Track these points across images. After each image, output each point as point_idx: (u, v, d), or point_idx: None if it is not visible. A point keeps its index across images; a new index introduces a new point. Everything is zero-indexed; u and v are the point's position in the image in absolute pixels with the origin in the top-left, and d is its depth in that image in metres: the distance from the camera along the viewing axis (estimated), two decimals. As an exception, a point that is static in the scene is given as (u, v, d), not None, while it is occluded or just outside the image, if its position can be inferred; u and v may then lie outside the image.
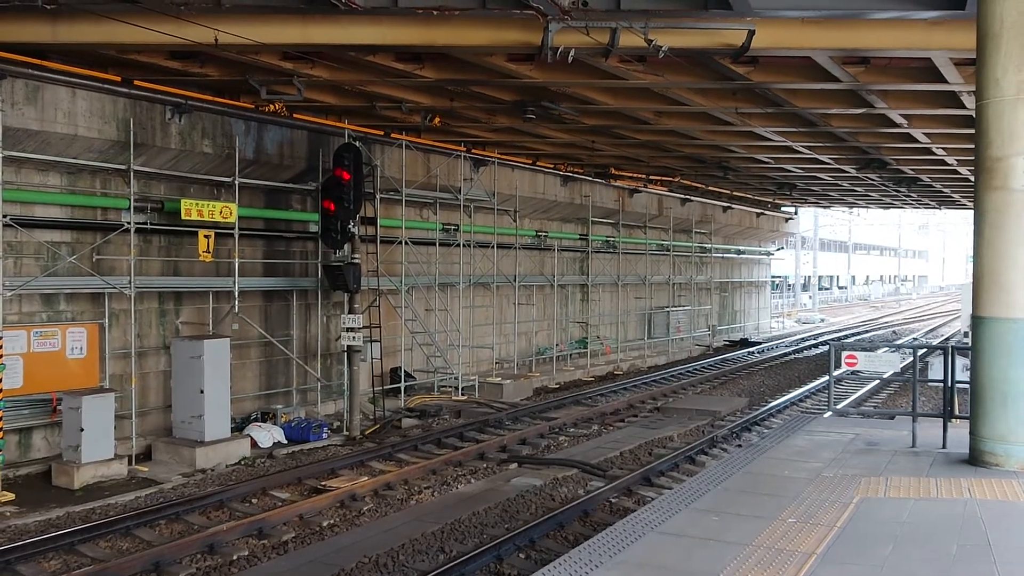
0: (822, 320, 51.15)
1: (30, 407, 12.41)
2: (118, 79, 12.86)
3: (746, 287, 39.38)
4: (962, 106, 14.52)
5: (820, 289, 69.26)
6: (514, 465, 13.01)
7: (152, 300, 14.17)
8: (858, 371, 18.50)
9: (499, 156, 20.86)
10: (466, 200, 19.38)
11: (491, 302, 21.46)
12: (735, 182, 29.25)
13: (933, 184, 28.34)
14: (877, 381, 20.52)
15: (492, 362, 21.54)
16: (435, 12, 9.84)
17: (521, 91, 14.60)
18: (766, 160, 23.06)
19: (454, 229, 19.72)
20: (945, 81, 12.76)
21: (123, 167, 12.96)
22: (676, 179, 27.48)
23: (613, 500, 10.92)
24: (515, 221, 21.72)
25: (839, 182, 28.18)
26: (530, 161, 22.32)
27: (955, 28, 10.23)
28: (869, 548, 6.22)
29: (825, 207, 46.50)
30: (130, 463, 12.53)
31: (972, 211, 8.88)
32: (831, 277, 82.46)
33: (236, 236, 14.23)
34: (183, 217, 13.47)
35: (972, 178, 9.00)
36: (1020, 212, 8.31)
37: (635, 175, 26.12)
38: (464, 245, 19.71)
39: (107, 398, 12.20)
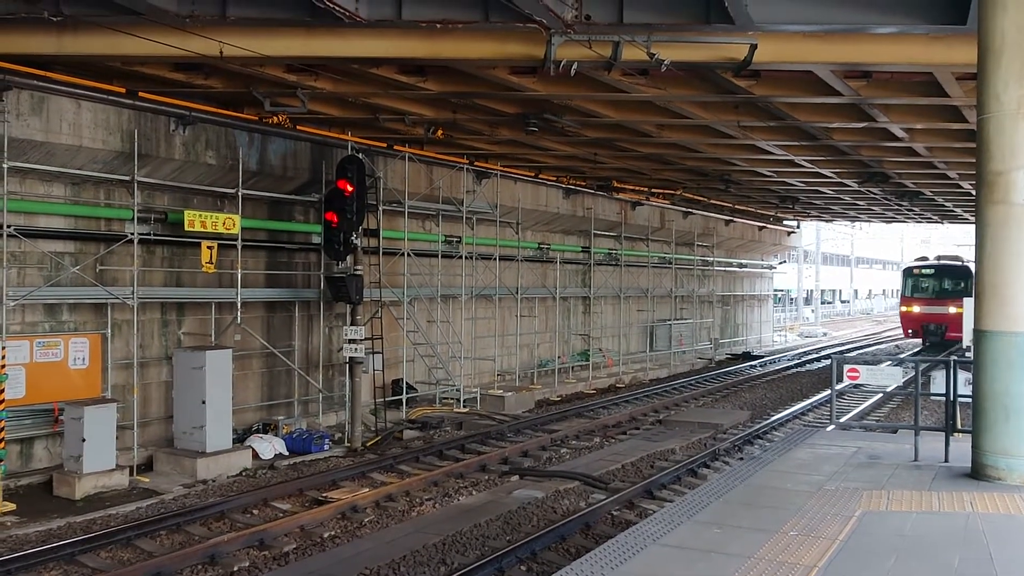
0: (824, 334, 51.07)
1: (32, 417, 12.41)
2: (123, 90, 12.92)
3: (748, 300, 39.36)
4: (964, 120, 14.57)
5: (822, 303, 69.20)
6: (516, 477, 12.99)
7: (155, 311, 14.20)
8: (861, 384, 18.47)
9: (502, 168, 20.92)
10: (469, 212, 19.42)
11: (493, 314, 21.47)
12: (737, 195, 29.30)
13: (935, 198, 28.38)
14: (880, 395, 20.48)
15: (494, 374, 21.53)
16: (438, 25, 9.89)
17: (524, 104, 14.66)
18: (768, 173, 23.11)
19: (456, 241, 19.76)
20: (947, 95, 12.80)
21: (127, 178, 13.00)
22: (678, 192, 27.53)
23: (615, 513, 10.90)
24: (517, 233, 21.75)
25: (841, 196, 28.22)
26: (533, 174, 22.38)
27: (956, 43, 10.28)
28: (871, 561, 6.21)
29: (828, 221, 46.50)
30: (131, 474, 12.52)
31: (974, 225, 8.90)
32: (833, 291, 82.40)
33: (239, 247, 14.27)
34: (186, 228, 13.51)
35: (974, 192, 9.02)
36: (1020, 226, 8.32)
37: (637, 188, 26.17)
38: (466, 257, 19.74)
39: (109, 408, 12.20)
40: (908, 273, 37.19)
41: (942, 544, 6.64)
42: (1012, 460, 8.36)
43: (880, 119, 14.98)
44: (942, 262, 36.74)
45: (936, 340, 34.49)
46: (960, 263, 36.21)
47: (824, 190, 26.70)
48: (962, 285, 33.72)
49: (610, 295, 26.85)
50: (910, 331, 36.30)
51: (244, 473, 13.25)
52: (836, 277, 79.53)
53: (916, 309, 35.57)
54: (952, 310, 32.13)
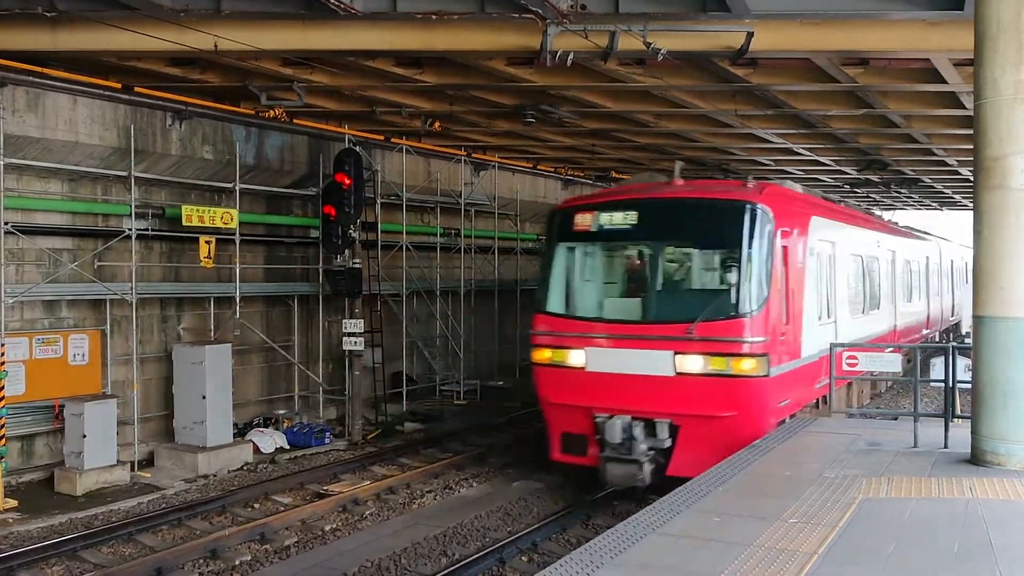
0: (824, 322, 50.86)
1: (32, 414, 12.42)
2: (118, 86, 12.89)
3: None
4: (961, 106, 14.51)
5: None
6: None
7: (153, 306, 14.19)
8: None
9: (499, 160, 20.87)
10: (467, 204, 19.40)
11: (492, 306, 21.45)
12: (736, 185, 29.21)
13: (934, 185, 28.33)
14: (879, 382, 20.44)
15: (494, 366, 21.51)
16: (434, 16, 9.85)
17: (521, 95, 14.62)
18: (767, 162, 23.05)
19: (455, 233, 19.73)
20: (944, 82, 12.76)
21: (124, 174, 12.98)
22: (677, 182, 27.42)
23: (616, 502, 10.91)
24: (516, 225, 21.72)
25: (840, 184, 28.16)
26: (531, 165, 22.34)
27: (953, 29, 10.23)
28: (871, 547, 6.21)
29: (826, 209, 46.40)
30: (132, 469, 12.54)
31: (972, 211, 8.88)
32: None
33: (237, 242, 14.25)
34: (184, 223, 13.50)
35: (972, 178, 9.00)
36: (1018, 211, 8.29)
37: (636, 178, 26.11)
38: (465, 249, 19.72)
39: (109, 404, 12.21)
40: (560, 229, 11.82)
41: (942, 529, 6.64)
42: (1011, 445, 8.35)
43: (878, 106, 14.94)
44: (670, 189, 11.80)
45: (617, 476, 10.30)
46: (733, 195, 11.30)
47: (823, 178, 26.63)
48: (733, 270, 10.33)
49: (610, 286, 26.77)
50: (560, 436, 10.94)
51: (245, 467, 13.26)
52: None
53: (575, 360, 10.76)
54: (692, 366, 10.24)
